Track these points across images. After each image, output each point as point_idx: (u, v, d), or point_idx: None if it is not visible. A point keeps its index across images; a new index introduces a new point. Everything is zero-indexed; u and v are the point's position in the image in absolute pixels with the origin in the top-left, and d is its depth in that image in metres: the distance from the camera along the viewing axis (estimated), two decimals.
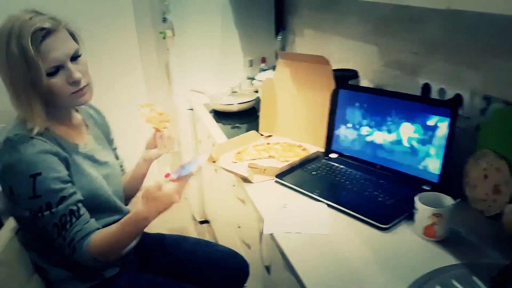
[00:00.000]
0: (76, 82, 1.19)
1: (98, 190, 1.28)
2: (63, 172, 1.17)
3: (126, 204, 1.55)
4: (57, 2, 2.88)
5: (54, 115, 1.24)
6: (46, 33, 1.13)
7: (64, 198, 1.15)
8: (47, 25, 1.13)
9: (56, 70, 1.15)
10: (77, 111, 1.38)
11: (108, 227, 1.22)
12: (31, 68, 1.11)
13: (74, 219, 1.17)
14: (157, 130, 1.46)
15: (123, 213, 1.37)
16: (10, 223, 1.31)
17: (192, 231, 3.05)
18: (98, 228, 1.22)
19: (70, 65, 1.17)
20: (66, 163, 1.20)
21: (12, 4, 1.28)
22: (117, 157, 1.53)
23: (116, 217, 1.33)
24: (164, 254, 1.56)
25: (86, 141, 1.34)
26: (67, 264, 1.28)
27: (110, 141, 1.51)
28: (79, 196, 1.20)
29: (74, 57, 1.20)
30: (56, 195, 1.14)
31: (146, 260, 1.54)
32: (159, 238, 1.62)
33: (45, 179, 1.12)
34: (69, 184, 1.18)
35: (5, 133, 1.17)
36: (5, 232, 1.30)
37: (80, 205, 1.20)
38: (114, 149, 1.53)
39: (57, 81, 1.16)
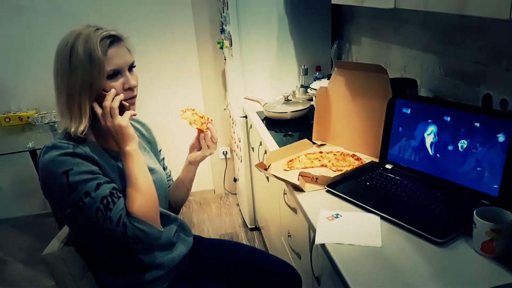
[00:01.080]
0: (131, 89, 1.28)
1: None
2: (93, 167, 1.22)
3: (178, 212, 1.60)
4: (122, 12, 3.06)
5: (100, 125, 1.28)
6: (112, 40, 1.23)
7: (100, 184, 1.20)
8: (113, 33, 1.24)
9: (115, 74, 1.24)
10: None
11: (131, 190, 1.26)
12: (94, 67, 1.19)
13: (116, 199, 1.22)
14: (200, 131, 1.51)
15: (162, 218, 1.39)
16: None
17: (243, 238, 3.08)
18: None
19: (128, 73, 1.28)
20: (99, 167, 1.24)
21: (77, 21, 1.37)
22: (164, 168, 1.58)
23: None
24: (220, 259, 1.59)
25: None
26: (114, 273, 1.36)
27: (156, 153, 1.55)
28: (114, 185, 1.25)
29: (131, 68, 1.30)
30: (91, 183, 1.19)
31: (202, 265, 1.57)
32: (216, 243, 1.65)
33: (77, 172, 1.18)
34: (102, 177, 1.23)
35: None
36: (64, 232, 1.41)
37: (117, 190, 1.25)
38: (161, 160, 1.59)
39: (114, 84, 1.25)
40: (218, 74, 3.41)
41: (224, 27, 2.92)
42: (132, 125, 1.47)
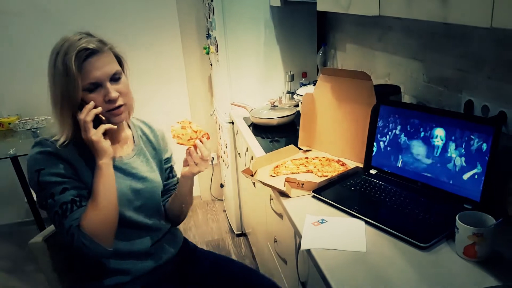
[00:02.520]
0: (111, 101, 1.27)
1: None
2: (66, 171, 1.25)
3: (176, 224, 1.58)
4: (108, 18, 3.05)
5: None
6: (89, 53, 1.23)
7: (66, 189, 1.24)
8: (91, 46, 1.23)
9: (94, 87, 1.25)
10: (129, 127, 1.47)
11: (89, 202, 1.26)
12: (70, 82, 1.21)
13: (75, 208, 1.24)
14: (186, 146, 1.43)
15: (139, 227, 1.40)
16: None
17: (229, 244, 3.07)
18: None
19: (109, 84, 1.26)
20: (75, 170, 1.28)
21: (69, 26, 1.37)
22: (171, 176, 1.57)
23: (130, 229, 1.38)
24: (209, 272, 1.57)
25: (124, 155, 1.40)
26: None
27: (161, 160, 1.53)
28: (83, 192, 1.27)
29: (115, 78, 1.28)
30: (58, 186, 1.23)
31: (190, 275, 1.56)
32: (206, 255, 1.63)
33: (47, 173, 1.23)
34: (73, 181, 1.26)
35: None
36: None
37: (83, 199, 1.26)
38: (168, 167, 1.57)
39: (94, 97, 1.25)
40: (204, 79, 3.41)
41: (210, 32, 2.92)
42: (140, 129, 1.50)
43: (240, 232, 3.11)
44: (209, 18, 2.83)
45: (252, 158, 2.12)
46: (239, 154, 2.63)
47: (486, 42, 1.40)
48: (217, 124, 3.22)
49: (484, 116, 1.41)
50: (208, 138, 1.44)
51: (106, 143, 1.26)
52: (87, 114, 1.23)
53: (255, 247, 2.75)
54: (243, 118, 2.55)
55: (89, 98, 1.24)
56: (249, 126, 2.41)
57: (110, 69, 1.27)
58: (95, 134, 1.24)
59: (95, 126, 1.25)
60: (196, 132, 1.44)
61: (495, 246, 1.11)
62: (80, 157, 1.30)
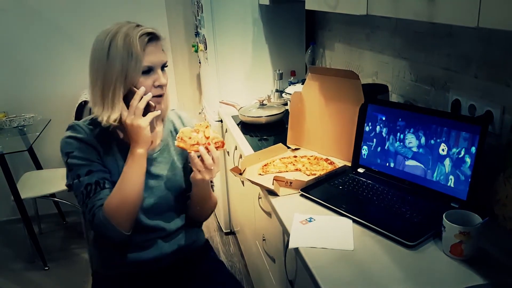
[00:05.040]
0: (160, 86, 1.32)
1: None
2: (92, 156, 1.31)
3: (199, 225, 1.57)
4: (95, 17, 3.02)
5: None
6: (151, 37, 1.29)
7: (91, 172, 1.30)
8: (152, 31, 1.30)
9: (148, 70, 1.28)
10: (162, 122, 1.48)
11: (116, 186, 1.30)
12: (132, 61, 1.24)
13: (98, 189, 1.29)
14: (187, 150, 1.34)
15: (148, 228, 1.40)
16: None
17: (218, 242, 3.07)
18: None
19: (160, 71, 1.32)
20: (99, 156, 1.33)
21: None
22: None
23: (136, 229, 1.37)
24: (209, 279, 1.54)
25: (149, 152, 1.38)
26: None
27: (181, 153, 1.47)
28: (107, 175, 1.33)
29: (163, 67, 1.34)
30: (84, 168, 1.30)
31: (193, 274, 1.54)
32: (216, 262, 1.60)
33: (75, 156, 1.30)
34: (98, 164, 1.32)
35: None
36: None
37: (107, 182, 1.31)
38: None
39: (146, 80, 1.29)
40: (193, 77, 3.39)
41: (198, 30, 2.91)
42: (172, 124, 1.51)
43: (229, 230, 3.11)
44: (198, 15, 2.82)
45: (240, 157, 2.12)
46: (228, 152, 2.62)
47: (473, 42, 1.41)
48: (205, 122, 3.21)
49: (471, 115, 1.42)
50: (220, 147, 1.35)
51: (149, 132, 1.29)
52: (141, 100, 1.26)
53: (243, 246, 2.75)
54: (231, 116, 2.54)
55: (141, 80, 1.27)
56: (237, 124, 2.41)
57: (164, 57, 1.33)
58: (144, 121, 1.27)
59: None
60: (207, 138, 1.34)
61: (482, 245, 1.12)
62: (107, 145, 1.35)
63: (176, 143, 1.33)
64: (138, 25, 1.29)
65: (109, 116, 1.27)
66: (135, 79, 1.26)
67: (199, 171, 1.33)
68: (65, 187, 1.43)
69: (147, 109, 1.29)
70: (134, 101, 1.26)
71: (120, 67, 1.24)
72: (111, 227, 1.27)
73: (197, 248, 1.55)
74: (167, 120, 1.50)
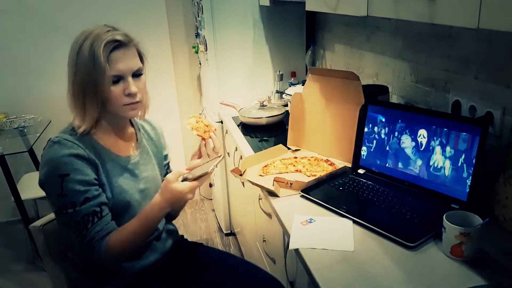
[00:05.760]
0: (131, 95, 1.27)
1: (128, 203, 1.34)
2: (90, 176, 1.24)
3: (173, 218, 1.61)
4: (96, 17, 3.02)
5: (106, 124, 1.33)
6: (117, 45, 1.24)
7: (88, 199, 1.23)
8: (119, 38, 1.25)
9: (117, 80, 1.25)
10: (132, 125, 1.47)
11: (124, 225, 1.28)
12: (97, 72, 1.21)
13: (96, 219, 1.24)
14: (202, 138, 1.48)
15: None
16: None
17: (218, 243, 3.06)
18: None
19: (130, 79, 1.27)
20: (96, 169, 1.27)
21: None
22: (170, 171, 1.54)
23: None
24: (203, 267, 1.55)
25: (131, 154, 1.40)
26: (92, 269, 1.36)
27: (161, 157, 1.55)
28: (103, 198, 1.27)
29: (136, 74, 1.29)
30: (80, 196, 1.22)
31: (183, 270, 1.54)
32: (203, 252, 1.61)
33: (72, 180, 1.21)
34: (95, 187, 1.25)
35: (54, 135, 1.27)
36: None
37: (104, 207, 1.27)
38: (167, 164, 1.59)
39: (115, 89, 1.25)
40: (193, 78, 3.39)
41: (199, 31, 2.91)
42: (142, 127, 1.51)
43: (229, 231, 3.10)
44: (198, 16, 2.82)
45: (241, 158, 2.12)
46: (228, 153, 2.62)
47: (473, 43, 1.41)
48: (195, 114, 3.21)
49: (471, 116, 1.43)
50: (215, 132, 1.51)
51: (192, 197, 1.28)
52: (200, 179, 1.26)
53: (243, 247, 2.74)
54: (232, 117, 2.54)
55: (111, 90, 1.24)
56: (238, 125, 2.41)
57: (134, 64, 1.28)
58: (193, 194, 1.27)
59: (117, 120, 1.33)
60: (207, 125, 1.49)
61: (482, 246, 1.12)
62: (99, 155, 1.30)
63: (196, 133, 1.44)
64: (108, 30, 1.24)
65: (79, 125, 1.26)
66: (105, 90, 1.23)
67: (209, 155, 1.44)
68: None
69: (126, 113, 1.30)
70: (190, 195, 1.25)
71: (88, 78, 1.22)
72: (112, 262, 1.27)
73: (181, 240, 1.62)
74: (136, 123, 1.50)
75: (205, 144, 1.46)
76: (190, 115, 1.52)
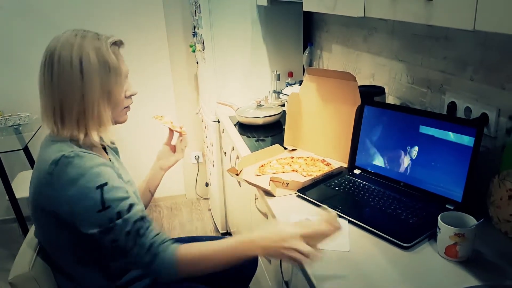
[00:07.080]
0: (131, 97, 1.24)
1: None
2: (122, 182, 1.15)
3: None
4: (93, 16, 3.02)
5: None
6: (120, 45, 1.19)
7: (132, 205, 1.10)
8: (118, 38, 1.18)
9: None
10: None
11: (206, 243, 1.14)
12: (111, 75, 1.13)
13: (147, 224, 1.11)
14: (180, 134, 1.58)
15: None
16: (32, 242, 1.30)
17: None
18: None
19: (128, 80, 1.23)
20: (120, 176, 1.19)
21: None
22: None
23: None
24: None
25: (112, 159, 1.34)
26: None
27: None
28: (138, 200, 1.21)
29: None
30: (125, 203, 1.09)
31: None
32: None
33: (112, 188, 1.08)
34: (129, 191, 1.14)
35: (53, 155, 1.09)
36: (29, 245, 1.30)
37: (145, 212, 1.15)
38: None
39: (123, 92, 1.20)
40: (190, 77, 3.39)
41: (196, 30, 2.91)
42: (110, 146, 1.39)
43: (225, 231, 3.10)
44: (196, 15, 2.82)
45: (237, 157, 2.12)
46: (225, 153, 2.62)
47: (469, 45, 1.41)
48: (202, 123, 3.21)
49: (466, 117, 1.43)
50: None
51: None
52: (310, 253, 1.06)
53: None
54: (229, 117, 2.54)
55: (123, 91, 1.19)
56: (235, 125, 2.41)
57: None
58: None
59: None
60: (171, 122, 1.58)
61: (476, 246, 1.13)
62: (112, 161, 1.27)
63: (170, 126, 1.55)
64: (96, 33, 1.15)
65: (94, 137, 1.13)
66: (119, 94, 1.16)
67: (182, 150, 1.57)
68: None
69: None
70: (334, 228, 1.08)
71: (99, 85, 1.11)
72: (173, 272, 1.10)
73: None
74: None
75: (181, 140, 1.57)
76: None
